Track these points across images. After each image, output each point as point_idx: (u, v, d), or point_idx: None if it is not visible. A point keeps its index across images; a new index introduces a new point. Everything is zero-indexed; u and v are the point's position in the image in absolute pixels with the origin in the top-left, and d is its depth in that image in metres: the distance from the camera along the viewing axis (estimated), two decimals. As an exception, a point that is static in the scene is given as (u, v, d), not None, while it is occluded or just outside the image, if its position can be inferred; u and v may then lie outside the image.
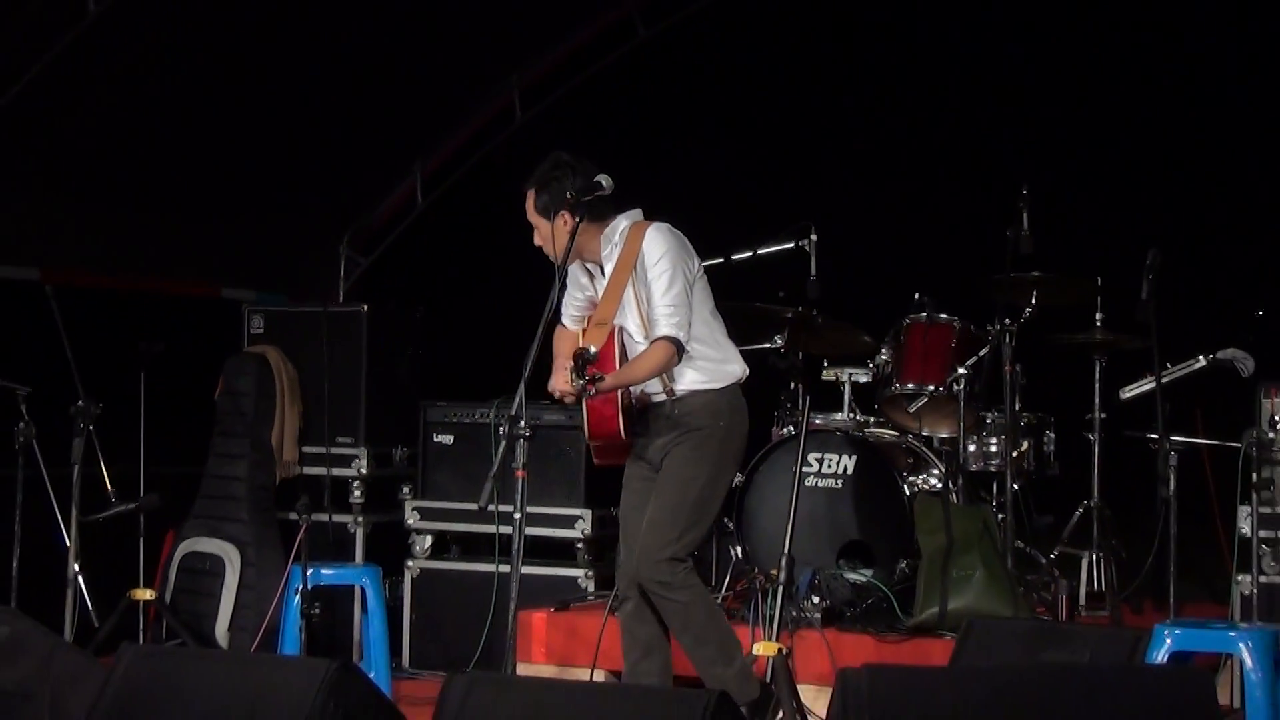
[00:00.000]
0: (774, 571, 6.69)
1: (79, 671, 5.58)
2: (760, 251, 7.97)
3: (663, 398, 6.34)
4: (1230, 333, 7.58)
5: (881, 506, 7.65)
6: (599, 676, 7.30)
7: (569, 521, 8.18)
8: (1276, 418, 7.08)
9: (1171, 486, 6.71)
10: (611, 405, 6.25)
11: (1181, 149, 9.06)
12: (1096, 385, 8.05)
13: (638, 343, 6.30)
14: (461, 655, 7.92)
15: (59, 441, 7.66)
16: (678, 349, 6.20)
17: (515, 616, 5.99)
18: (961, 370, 7.74)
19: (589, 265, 6.45)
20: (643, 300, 6.27)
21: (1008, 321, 7.65)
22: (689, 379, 6.33)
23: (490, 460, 6.53)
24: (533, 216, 6.35)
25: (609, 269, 6.34)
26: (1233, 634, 5.92)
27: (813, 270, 7.86)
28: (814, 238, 7.81)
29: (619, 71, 9.61)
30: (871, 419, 8.01)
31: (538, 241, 6.36)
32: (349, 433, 8.68)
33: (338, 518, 8.55)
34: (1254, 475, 6.77)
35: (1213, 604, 7.71)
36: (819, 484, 7.67)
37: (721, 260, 7.62)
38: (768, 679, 6.51)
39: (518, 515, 5.87)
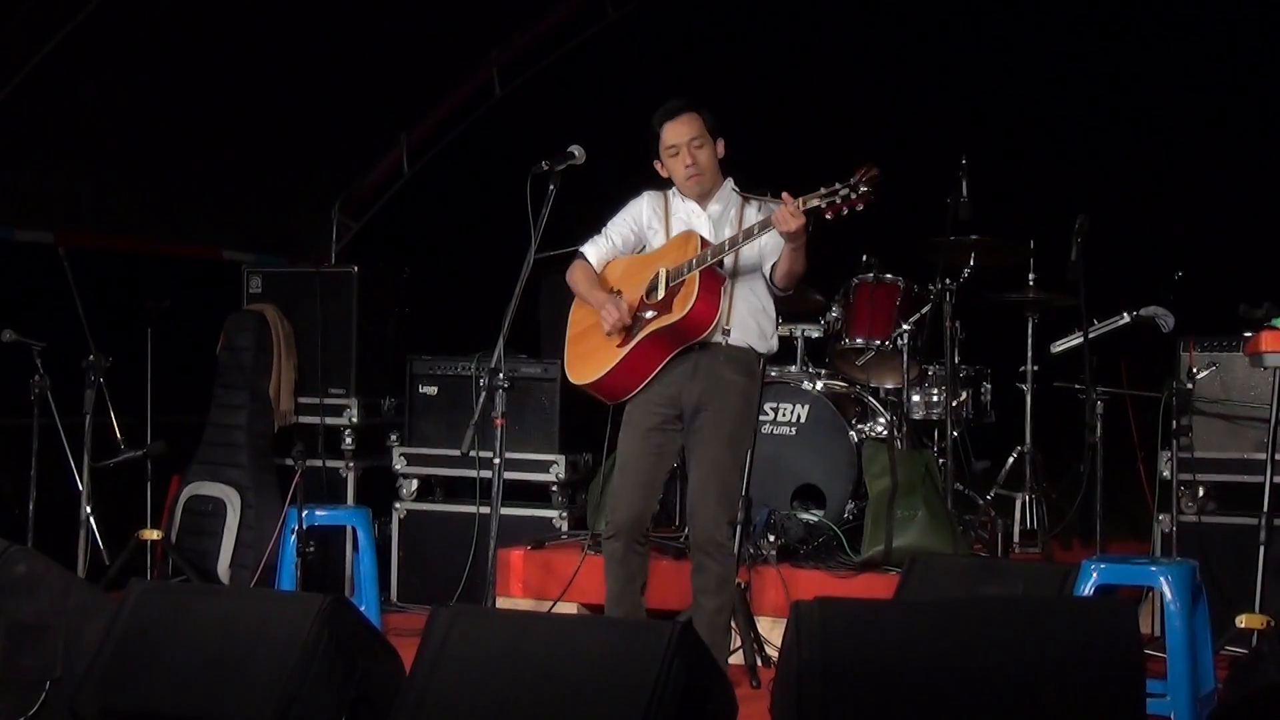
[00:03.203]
0: (733, 512, 6.70)
1: (91, 606, 5.56)
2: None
3: (720, 340, 6.08)
4: (1152, 291, 7.59)
5: (832, 452, 7.65)
6: (570, 609, 7.32)
7: (544, 466, 8.16)
8: (1194, 369, 7.09)
9: (1098, 433, 6.73)
10: (718, 297, 6.01)
11: (1108, 124, 9.07)
12: (1029, 340, 8.06)
13: None
14: (445, 590, 7.90)
15: (72, 393, 7.63)
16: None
17: (495, 554, 5.99)
18: (905, 326, 7.75)
19: (678, 204, 6.23)
20: (741, 254, 6.09)
21: (948, 281, 7.66)
22: (750, 331, 6.12)
23: (471, 409, 6.50)
24: (701, 134, 6.09)
25: (722, 208, 6.17)
26: (1154, 568, 5.93)
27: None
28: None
29: (590, 50, 9.58)
30: (823, 371, 8.00)
31: (690, 168, 6.10)
32: (341, 384, 8.66)
33: (330, 463, 8.54)
34: (1173, 422, 6.79)
35: (1135, 541, 7.74)
36: (774, 431, 7.66)
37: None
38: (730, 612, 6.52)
39: (497, 460, 5.86)
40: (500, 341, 5.84)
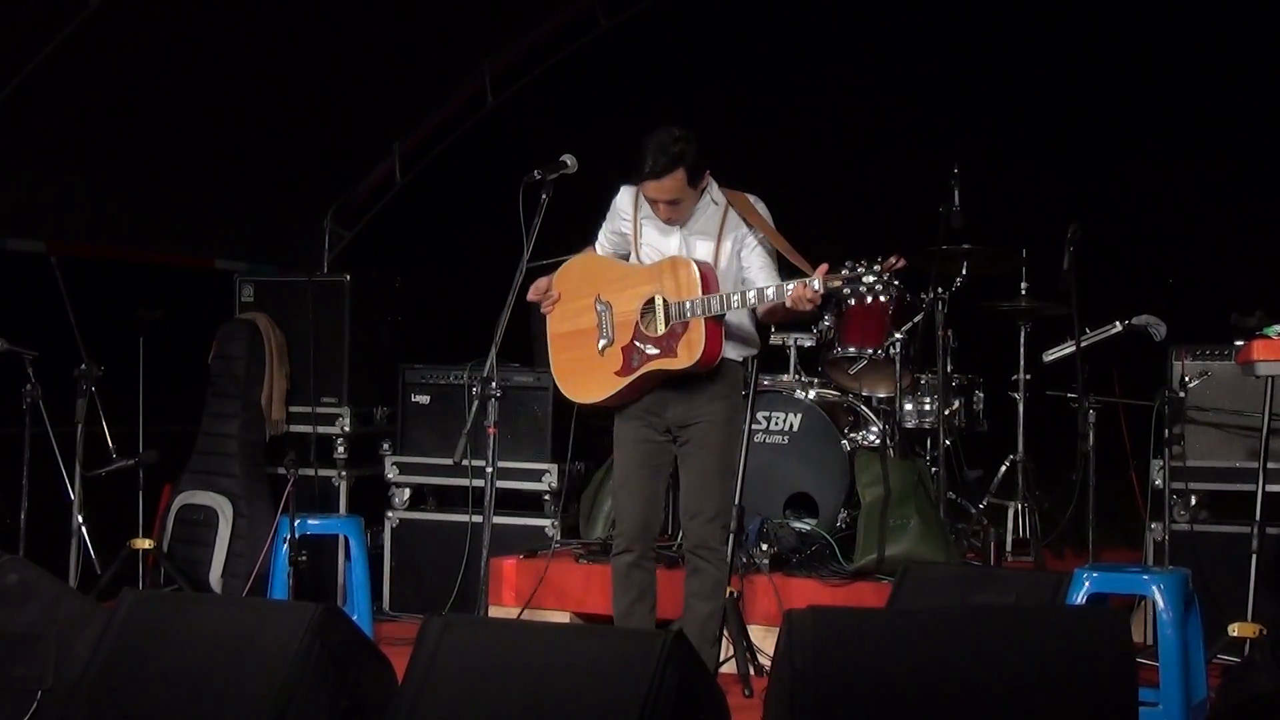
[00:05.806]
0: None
1: (83, 615, 5.56)
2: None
3: None
4: (1144, 300, 7.60)
5: (824, 461, 7.64)
6: (564, 618, 7.31)
7: (537, 475, 8.16)
8: (1186, 378, 7.10)
9: (1090, 441, 6.73)
10: (720, 336, 6.04)
11: (1100, 133, 9.09)
12: (1021, 349, 8.07)
13: None
14: (438, 599, 7.90)
15: (63, 402, 7.61)
16: None
17: (487, 563, 5.97)
18: (898, 335, 7.73)
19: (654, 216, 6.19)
20: (724, 255, 6.10)
21: (940, 290, 7.66)
22: (728, 346, 6.12)
23: (464, 418, 6.49)
24: (680, 193, 6.02)
25: (697, 222, 6.13)
26: (1146, 577, 5.94)
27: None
28: (762, 213, 7.78)
29: (582, 59, 9.58)
30: (815, 380, 8.00)
31: (671, 216, 6.07)
32: (333, 393, 8.65)
33: (323, 472, 8.52)
34: (1165, 431, 6.78)
35: (1127, 549, 7.75)
36: (767, 440, 7.66)
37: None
38: (721, 618, 6.51)
39: (489, 469, 5.85)
40: (493, 350, 5.83)
